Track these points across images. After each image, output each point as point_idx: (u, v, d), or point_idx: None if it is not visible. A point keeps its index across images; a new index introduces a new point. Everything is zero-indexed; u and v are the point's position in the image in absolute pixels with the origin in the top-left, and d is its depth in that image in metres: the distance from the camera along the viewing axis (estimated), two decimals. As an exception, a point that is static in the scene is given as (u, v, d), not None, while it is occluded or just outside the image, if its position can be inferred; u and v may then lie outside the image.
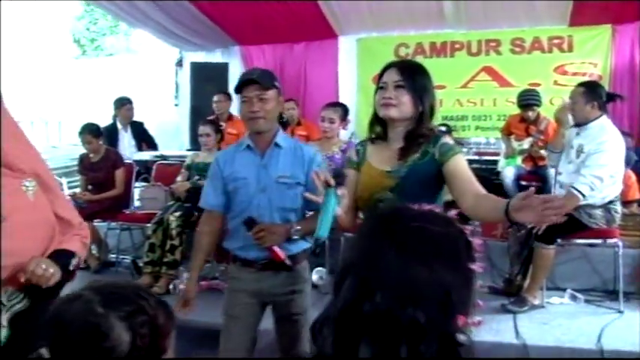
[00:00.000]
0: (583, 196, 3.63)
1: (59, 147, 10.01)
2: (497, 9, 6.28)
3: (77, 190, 5.32)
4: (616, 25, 6.42)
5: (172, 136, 7.94)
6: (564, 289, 4.08)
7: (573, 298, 4.01)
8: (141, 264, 4.66)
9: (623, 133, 4.02)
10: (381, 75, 2.05)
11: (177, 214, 4.49)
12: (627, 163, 4.12)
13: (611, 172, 3.69)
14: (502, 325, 3.53)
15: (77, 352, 1.01)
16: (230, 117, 6.19)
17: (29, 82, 11.08)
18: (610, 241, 3.90)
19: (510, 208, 1.63)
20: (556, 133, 4.12)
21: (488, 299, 3.93)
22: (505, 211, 1.64)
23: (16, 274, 1.54)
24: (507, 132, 5.56)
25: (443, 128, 5.35)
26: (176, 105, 8.47)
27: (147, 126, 6.74)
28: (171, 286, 4.36)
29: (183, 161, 5.07)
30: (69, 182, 6.28)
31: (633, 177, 4.70)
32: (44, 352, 1.03)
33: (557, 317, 3.67)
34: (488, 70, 6.95)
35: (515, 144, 5.39)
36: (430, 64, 2.12)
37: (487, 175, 5.01)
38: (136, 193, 5.52)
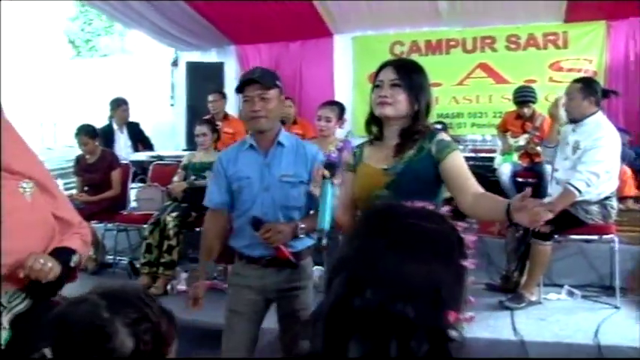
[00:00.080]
0: (579, 192, 3.64)
1: (54, 148, 10.00)
2: (492, 6, 6.28)
3: (73, 191, 5.30)
4: (610, 22, 6.44)
5: (168, 136, 7.92)
6: (561, 286, 4.09)
7: (570, 294, 4.02)
8: (138, 265, 4.65)
9: (619, 130, 4.04)
10: (377, 74, 2.06)
11: (174, 214, 4.49)
12: (623, 159, 4.14)
13: (607, 168, 3.70)
14: (499, 321, 3.54)
15: (80, 354, 1.01)
16: (226, 116, 6.19)
17: (24, 83, 11.04)
18: (606, 236, 3.91)
19: (512, 208, 1.65)
20: (551, 129, 4.13)
21: (485, 296, 3.94)
22: (507, 211, 1.66)
23: (15, 271, 1.54)
24: (503, 129, 5.57)
25: (439, 126, 5.36)
26: (172, 105, 8.46)
27: (143, 126, 6.74)
28: (168, 287, 4.36)
29: (180, 161, 5.07)
30: (65, 184, 6.26)
31: (629, 173, 4.72)
32: (47, 352, 1.03)
33: (554, 313, 3.68)
34: (484, 67, 6.96)
35: (511, 141, 5.40)
36: (425, 62, 2.13)
37: (483, 172, 5.00)
38: (133, 193, 5.52)
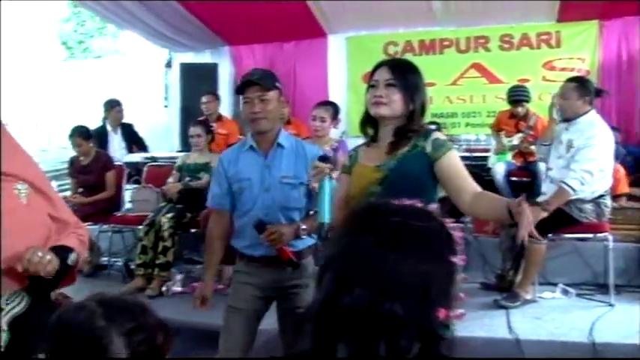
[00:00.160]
0: (573, 190, 3.66)
1: (48, 150, 9.94)
2: (486, 6, 6.29)
3: (67, 193, 5.29)
4: (603, 21, 6.46)
5: (162, 137, 7.90)
6: (556, 284, 4.11)
7: (565, 292, 4.03)
8: (133, 266, 4.64)
9: (612, 128, 4.06)
10: (372, 73, 2.06)
11: (169, 215, 4.48)
12: (616, 157, 4.16)
13: (601, 166, 3.72)
14: (495, 320, 3.54)
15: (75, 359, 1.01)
16: (219, 117, 6.19)
17: (17, 85, 10.98)
18: (600, 235, 3.93)
19: (512, 211, 1.68)
20: (547, 126, 4.16)
21: (480, 295, 3.96)
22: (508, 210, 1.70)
23: (14, 267, 1.54)
24: (497, 128, 5.59)
25: (433, 127, 5.36)
26: (166, 106, 8.44)
27: (136, 128, 6.72)
28: (164, 288, 4.34)
29: (174, 162, 5.06)
30: (59, 185, 6.23)
31: (622, 171, 4.74)
32: (42, 356, 1.03)
33: (549, 312, 3.69)
34: (478, 66, 6.97)
35: (505, 140, 5.42)
36: (419, 62, 2.13)
37: (478, 171, 5.00)
38: (127, 195, 5.51)
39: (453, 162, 1.97)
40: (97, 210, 5.01)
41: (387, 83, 1.98)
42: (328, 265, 0.90)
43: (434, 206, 0.98)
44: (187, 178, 4.71)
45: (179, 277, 4.49)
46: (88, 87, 10.01)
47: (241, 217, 2.43)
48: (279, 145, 2.40)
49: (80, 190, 5.17)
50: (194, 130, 4.83)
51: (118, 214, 5.20)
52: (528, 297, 3.84)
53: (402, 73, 2.00)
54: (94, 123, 6.15)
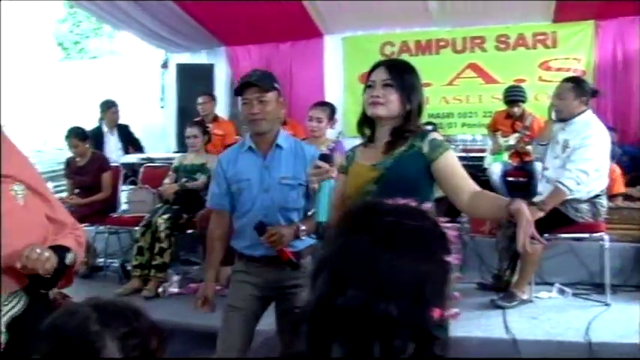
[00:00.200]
0: (569, 190, 3.67)
1: (44, 151, 9.91)
2: (482, 6, 6.30)
3: (64, 194, 5.27)
4: (599, 21, 6.48)
5: (158, 138, 7.89)
6: (552, 284, 4.12)
7: (561, 292, 4.04)
8: (129, 268, 4.63)
9: (608, 128, 4.07)
10: (369, 74, 2.07)
11: (166, 216, 4.47)
12: (612, 157, 4.17)
13: (597, 166, 3.73)
14: (492, 320, 3.55)
15: None
16: (215, 118, 6.19)
17: (12, 86, 10.94)
18: (596, 234, 3.94)
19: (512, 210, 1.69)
20: (545, 126, 4.17)
21: (477, 295, 3.97)
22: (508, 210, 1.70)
23: (13, 267, 1.54)
24: (493, 128, 5.60)
25: (429, 127, 5.37)
26: (162, 107, 8.43)
27: (133, 128, 6.71)
28: (160, 289, 4.33)
29: (171, 163, 5.06)
30: (55, 186, 6.22)
31: (618, 171, 4.75)
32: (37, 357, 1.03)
33: (545, 311, 3.70)
34: (474, 67, 6.98)
35: (501, 140, 5.43)
36: (416, 62, 2.14)
37: (474, 172, 5.01)
38: (124, 196, 5.50)
39: (451, 162, 1.98)
40: (93, 211, 4.99)
41: (384, 83, 1.99)
42: (322, 266, 0.89)
43: (428, 205, 0.98)
44: (184, 179, 4.71)
45: (176, 278, 4.48)
46: (84, 88, 9.98)
47: (240, 217, 2.44)
48: (278, 146, 2.41)
49: (76, 191, 5.15)
50: (190, 130, 4.82)
51: (115, 215, 5.18)
52: (525, 297, 3.85)
53: (399, 74, 2.01)
54: (90, 124, 6.14)
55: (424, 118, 2.20)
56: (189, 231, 4.68)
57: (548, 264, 4.14)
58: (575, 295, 4.02)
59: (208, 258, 2.56)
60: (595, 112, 4.04)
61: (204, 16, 6.82)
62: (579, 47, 6.60)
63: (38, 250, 1.54)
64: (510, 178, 5.24)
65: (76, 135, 5.03)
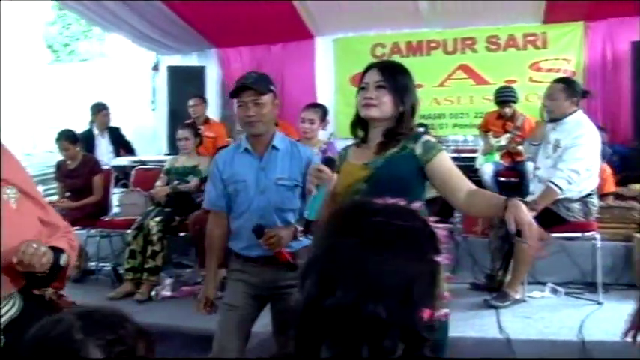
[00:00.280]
0: (560, 190, 3.69)
1: (34, 154, 9.84)
2: (472, 7, 6.33)
3: (54, 197, 5.24)
4: (588, 22, 6.53)
5: (150, 140, 7.86)
6: (545, 283, 4.14)
7: (554, 291, 4.06)
8: (121, 271, 4.60)
9: (598, 128, 4.10)
10: (362, 75, 2.08)
11: (158, 219, 4.45)
12: (602, 157, 4.20)
13: (587, 165, 3.76)
14: (485, 320, 3.56)
15: None
16: (207, 120, 6.17)
17: (1, 89, 10.86)
18: (588, 234, 3.96)
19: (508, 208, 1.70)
20: (537, 127, 4.19)
21: (470, 295, 3.98)
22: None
23: (9, 270, 1.54)
24: (485, 129, 5.63)
25: (421, 129, 5.39)
26: (153, 109, 8.39)
27: (124, 131, 6.69)
28: (153, 293, 4.31)
29: (162, 166, 5.04)
30: (45, 190, 6.18)
31: (608, 170, 4.79)
32: None
33: (538, 311, 3.72)
34: (465, 68, 7.01)
35: (492, 141, 5.45)
36: (407, 64, 2.15)
37: (466, 172, 4.98)
38: (115, 199, 5.47)
39: (445, 162, 1.99)
40: (84, 214, 4.96)
41: (377, 85, 2.00)
42: (311, 267, 0.89)
43: (418, 204, 0.98)
44: (176, 182, 4.69)
45: (168, 281, 4.46)
46: (74, 90, 9.91)
47: (237, 218, 2.45)
48: (274, 147, 2.43)
49: (67, 194, 5.12)
50: (182, 133, 4.81)
51: (106, 218, 5.16)
52: (518, 296, 3.86)
53: (392, 75, 2.02)
54: (80, 127, 6.11)
55: (416, 120, 2.21)
56: (182, 234, 4.66)
57: (541, 263, 4.15)
58: (567, 294, 4.04)
59: (208, 258, 2.56)
60: (585, 113, 4.06)
61: (194, 18, 6.80)
62: (569, 48, 6.64)
63: (35, 245, 1.55)
64: (502, 179, 5.26)
65: (67, 138, 5.00)
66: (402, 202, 0.95)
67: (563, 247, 4.25)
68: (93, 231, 5.10)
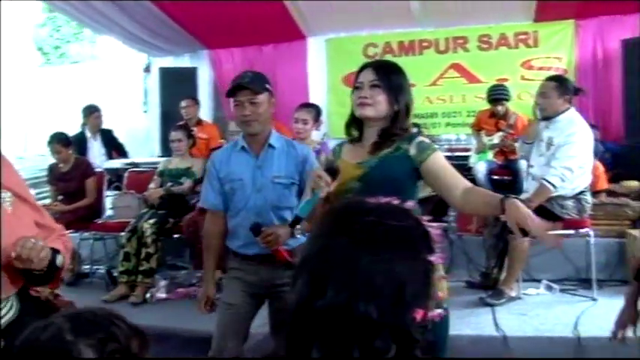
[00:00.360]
0: (554, 187, 3.70)
1: (25, 157, 9.78)
2: (464, 6, 6.34)
3: (47, 200, 5.20)
4: (579, 21, 6.56)
5: (142, 142, 7.83)
6: (540, 280, 4.16)
7: (549, 288, 4.08)
8: (116, 274, 4.58)
9: (590, 126, 4.12)
10: (357, 75, 2.08)
11: (152, 221, 4.44)
12: (595, 154, 4.22)
13: (580, 163, 3.78)
14: (481, 318, 3.57)
15: None
16: (199, 122, 6.15)
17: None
18: (582, 230, 3.98)
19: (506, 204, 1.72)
20: (530, 125, 4.21)
21: (466, 293, 3.99)
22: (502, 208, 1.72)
23: (7, 271, 1.54)
24: (477, 127, 5.64)
25: (415, 129, 5.39)
26: (145, 111, 8.36)
27: (116, 133, 6.65)
28: (147, 295, 4.30)
29: (155, 168, 5.02)
30: (37, 193, 6.14)
31: (601, 168, 4.82)
32: None
33: (534, 308, 3.74)
34: (457, 67, 7.02)
35: (485, 139, 5.46)
36: (399, 63, 2.16)
37: (459, 171, 5.02)
38: (108, 201, 5.44)
39: (440, 162, 2.01)
40: (77, 217, 4.93)
41: (371, 84, 2.01)
42: (302, 267, 0.88)
43: (411, 203, 0.97)
44: (169, 184, 4.67)
45: (163, 283, 4.44)
46: (65, 93, 9.85)
47: (234, 217, 2.45)
48: (270, 145, 2.44)
49: (60, 197, 5.10)
50: (175, 134, 4.79)
51: (99, 221, 5.13)
52: (513, 294, 3.88)
53: (387, 74, 2.03)
54: (72, 129, 6.07)
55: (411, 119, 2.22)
56: (176, 236, 4.64)
57: (535, 261, 4.17)
58: (562, 290, 4.06)
59: (206, 258, 2.55)
60: (577, 110, 4.08)
61: (185, 19, 6.78)
62: (560, 46, 6.67)
63: (32, 240, 1.55)
64: (495, 177, 5.28)
65: (59, 141, 4.97)
66: (395, 201, 0.95)
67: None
68: (86, 234, 5.07)
